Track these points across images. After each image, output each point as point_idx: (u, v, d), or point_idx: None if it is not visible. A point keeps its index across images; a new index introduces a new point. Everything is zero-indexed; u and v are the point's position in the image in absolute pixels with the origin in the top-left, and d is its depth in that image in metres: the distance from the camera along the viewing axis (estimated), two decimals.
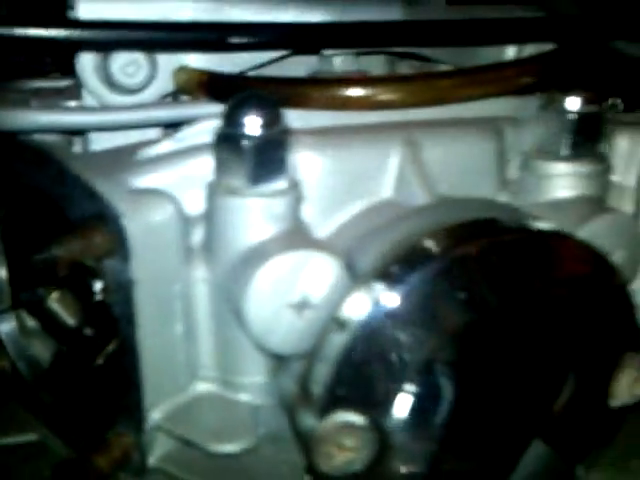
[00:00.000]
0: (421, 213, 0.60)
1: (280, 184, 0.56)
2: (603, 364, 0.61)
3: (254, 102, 0.55)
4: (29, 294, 0.64)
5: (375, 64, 0.81)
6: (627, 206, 0.74)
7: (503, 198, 0.68)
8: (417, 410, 0.54)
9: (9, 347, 0.68)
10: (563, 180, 0.66)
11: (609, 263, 0.58)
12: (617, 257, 0.64)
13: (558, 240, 0.57)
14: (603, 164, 0.67)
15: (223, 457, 0.57)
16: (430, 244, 0.54)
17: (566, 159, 0.66)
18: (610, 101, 0.84)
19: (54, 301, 0.63)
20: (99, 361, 0.62)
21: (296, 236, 0.56)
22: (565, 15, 0.77)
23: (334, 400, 0.52)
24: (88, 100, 0.68)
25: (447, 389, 0.56)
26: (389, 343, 0.52)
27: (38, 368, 0.68)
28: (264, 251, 0.54)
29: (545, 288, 0.56)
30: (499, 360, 0.57)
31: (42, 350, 0.69)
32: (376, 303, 0.52)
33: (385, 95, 0.63)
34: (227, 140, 0.55)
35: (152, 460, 0.59)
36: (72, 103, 0.69)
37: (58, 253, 0.52)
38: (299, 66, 0.76)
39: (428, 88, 0.64)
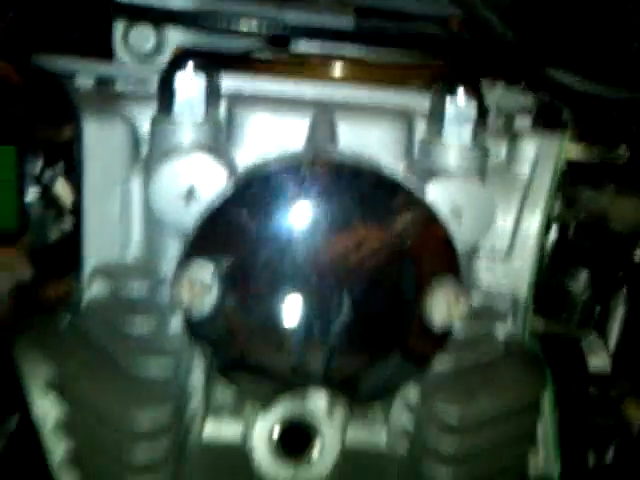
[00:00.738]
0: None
1: (200, 117, 0.79)
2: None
3: (190, 56, 0.80)
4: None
5: None
6: (517, 193, 0.90)
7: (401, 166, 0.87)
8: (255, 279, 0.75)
9: None
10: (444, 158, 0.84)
11: (425, 204, 0.76)
12: (466, 212, 0.80)
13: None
14: (479, 150, 0.83)
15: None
16: (279, 164, 0.76)
17: (448, 142, 0.83)
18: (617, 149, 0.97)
19: (58, 187, 0.89)
20: None
21: (200, 149, 0.78)
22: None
23: (191, 249, 0.74)
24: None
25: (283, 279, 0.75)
26: (229, 218, 0.74)
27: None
28: (171, 154, 0.77)
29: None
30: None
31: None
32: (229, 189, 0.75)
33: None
34: (166, 79, 0.79)
35: (86, 302, 0.83)
36: None
37: (40, 134, 0.78)
38: None
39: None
